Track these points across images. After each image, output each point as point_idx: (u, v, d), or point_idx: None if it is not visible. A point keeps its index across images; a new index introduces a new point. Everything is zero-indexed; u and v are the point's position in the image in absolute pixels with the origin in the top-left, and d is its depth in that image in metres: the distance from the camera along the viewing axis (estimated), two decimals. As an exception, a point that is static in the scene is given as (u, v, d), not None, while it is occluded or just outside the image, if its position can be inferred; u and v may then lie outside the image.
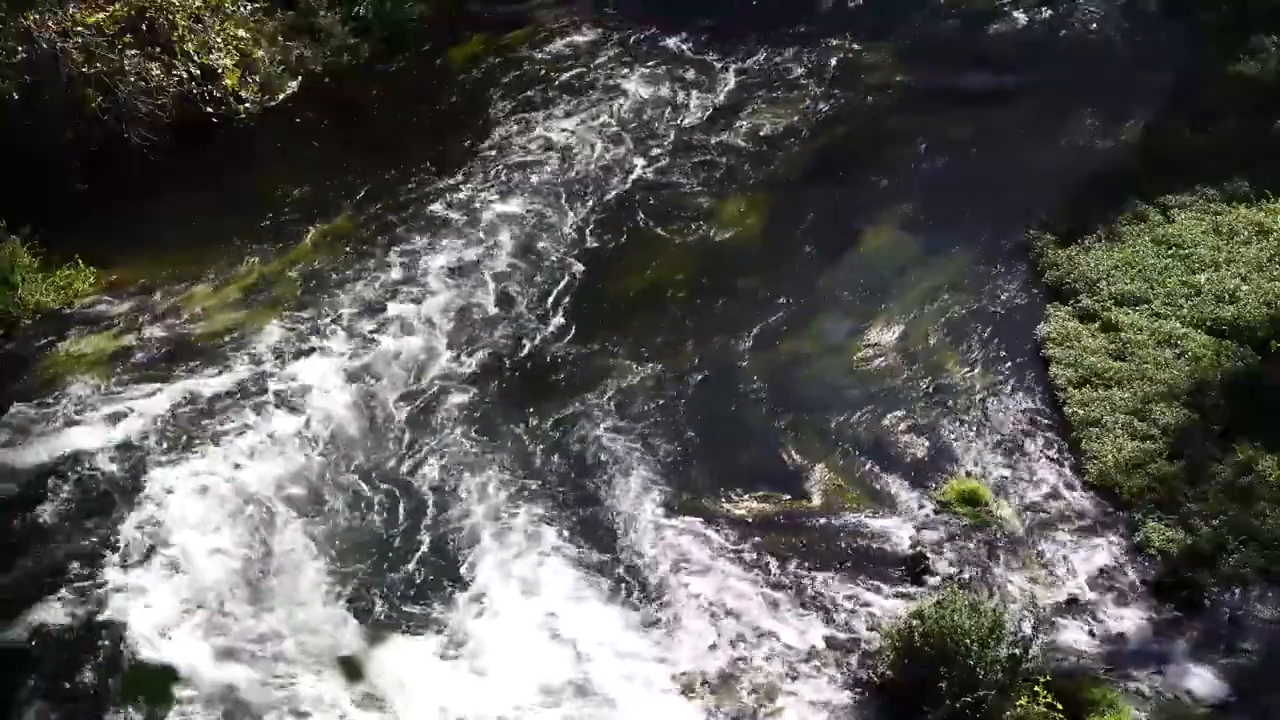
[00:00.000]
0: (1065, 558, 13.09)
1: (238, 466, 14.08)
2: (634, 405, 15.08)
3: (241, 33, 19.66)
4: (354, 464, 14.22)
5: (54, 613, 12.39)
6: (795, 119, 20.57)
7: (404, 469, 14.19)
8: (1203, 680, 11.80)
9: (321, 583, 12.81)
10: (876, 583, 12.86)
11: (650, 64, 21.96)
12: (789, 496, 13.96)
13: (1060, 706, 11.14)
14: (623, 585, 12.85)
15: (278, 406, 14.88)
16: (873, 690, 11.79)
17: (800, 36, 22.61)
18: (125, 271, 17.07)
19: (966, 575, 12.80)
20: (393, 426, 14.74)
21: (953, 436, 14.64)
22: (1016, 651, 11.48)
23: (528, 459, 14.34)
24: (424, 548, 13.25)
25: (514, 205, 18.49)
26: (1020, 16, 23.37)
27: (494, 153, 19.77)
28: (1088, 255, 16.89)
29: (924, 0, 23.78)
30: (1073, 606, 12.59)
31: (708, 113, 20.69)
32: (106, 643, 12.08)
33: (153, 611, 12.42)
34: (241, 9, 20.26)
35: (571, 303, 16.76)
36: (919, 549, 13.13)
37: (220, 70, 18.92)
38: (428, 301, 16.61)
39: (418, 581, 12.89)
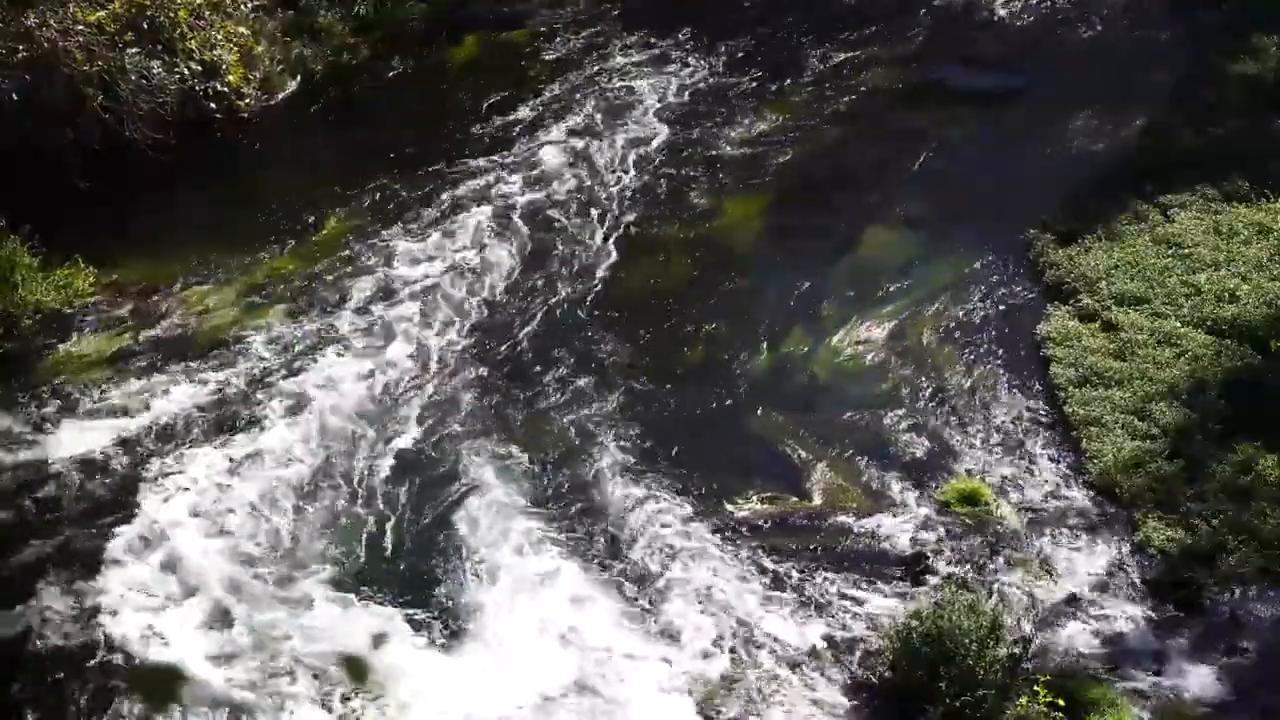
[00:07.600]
0: (1065, 557, 13.09)
1: (238, 466, 14.09)
2: (634, 406, 15.09)
3: (243, 29, 19.65)
4: (355, 463, 14.22)
5: (54, 612, 12.39)
6: (795, 118, 20.59)
7: (404, 468, 14.19)
8: (1202, 680, 11.79)
9: (322, 582, 12.81)
10: (876, 583, 12.85)
11: (649, 64, 21.99)
12: (791, 497, 13.96)
13: (1061, 704, 11.14)
14: (623, 585, 12.84)
15: (278, 406, 14.89)
16: (873, 690, 11.79)
17: (800, 36, 22.65)
18: (125, 271, 17.09)
19: (966, 575, 12.80)
20: (394, 425, 14.74)
21: (953, 436, 14.64)
22: (1016, 651, 11.50)
23: (528, 460, 14.33)
24: (425, 547, 13.25)
25: (512, 204, 18.49)
26: (1021, 16, 23.39)
27: (493, 152, 19.78)
28: (1088, 255, 16.90)
29: (924, 0, 23.83)
30: (1072, 606, 12.59)
31: (707, 112, 20.71)
32: (106, 642, 12.08)
33: (152, 611, 12.42)
34: (243, 7, 20.24)
35: (569, 303, 16.78)
36: (919, 549, 13.13)
37: (224, 66, 18.90)
38: (427, 301, 16.62)
39: (419, 580, 12.89)
